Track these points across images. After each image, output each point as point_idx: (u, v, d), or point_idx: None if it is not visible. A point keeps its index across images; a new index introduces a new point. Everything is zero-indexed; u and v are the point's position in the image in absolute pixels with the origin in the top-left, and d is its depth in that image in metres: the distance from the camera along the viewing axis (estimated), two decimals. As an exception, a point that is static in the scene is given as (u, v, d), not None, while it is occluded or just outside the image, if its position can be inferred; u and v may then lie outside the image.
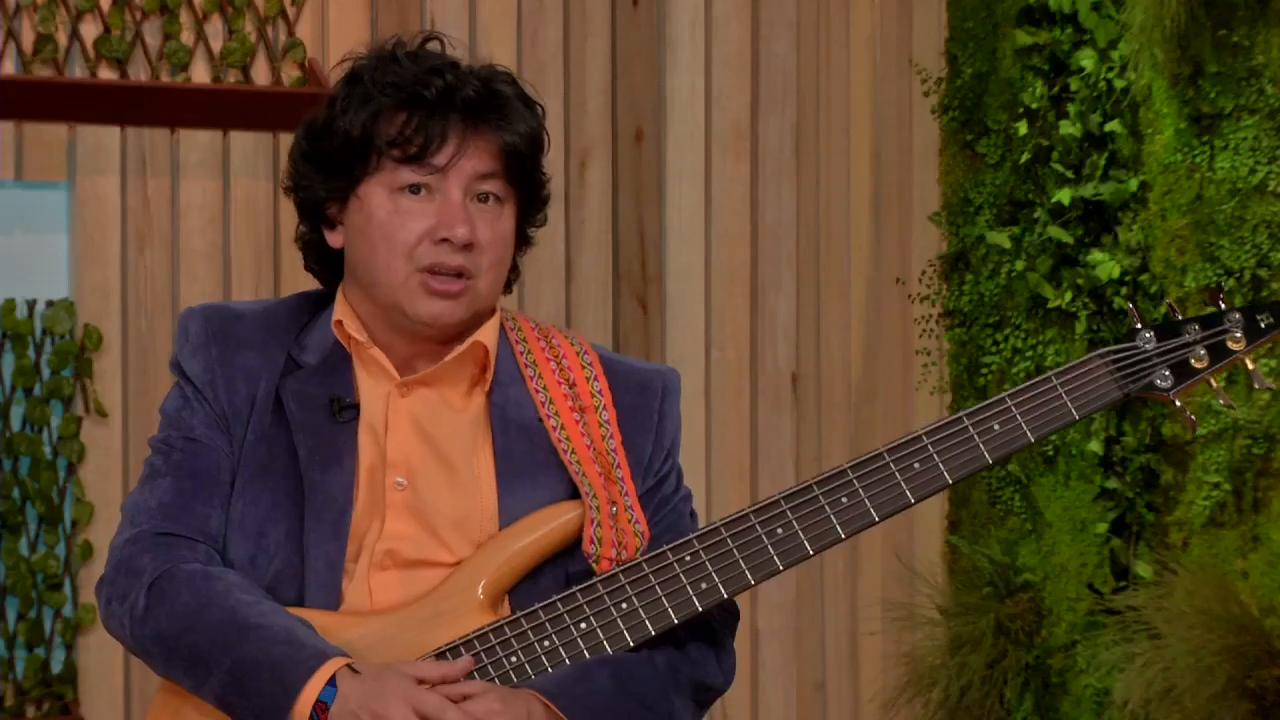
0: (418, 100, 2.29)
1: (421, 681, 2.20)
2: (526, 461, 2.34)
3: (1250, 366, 2.41)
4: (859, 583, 4.70)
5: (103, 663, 4.07)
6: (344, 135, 2.31)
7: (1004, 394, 2.34)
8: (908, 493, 2.30)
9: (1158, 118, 4.11)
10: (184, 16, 4.16)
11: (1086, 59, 4.25)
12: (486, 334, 2.37)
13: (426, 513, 2.31)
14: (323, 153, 2.33)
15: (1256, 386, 2.41)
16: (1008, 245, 4.44)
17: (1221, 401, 2.42)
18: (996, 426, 2.32)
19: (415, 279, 2.31)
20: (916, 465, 2.31)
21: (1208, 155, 3.99)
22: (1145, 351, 2.38)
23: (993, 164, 4.52)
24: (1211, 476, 3.98)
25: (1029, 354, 4.40)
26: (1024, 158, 4.40)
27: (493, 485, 2.33)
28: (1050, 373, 2.36)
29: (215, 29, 4.19)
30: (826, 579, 4.68)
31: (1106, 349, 2.38)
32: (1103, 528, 4.24)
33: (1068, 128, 4.27)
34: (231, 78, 4.19)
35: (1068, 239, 4.26)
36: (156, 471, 2.36)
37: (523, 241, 2.42)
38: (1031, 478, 4.44)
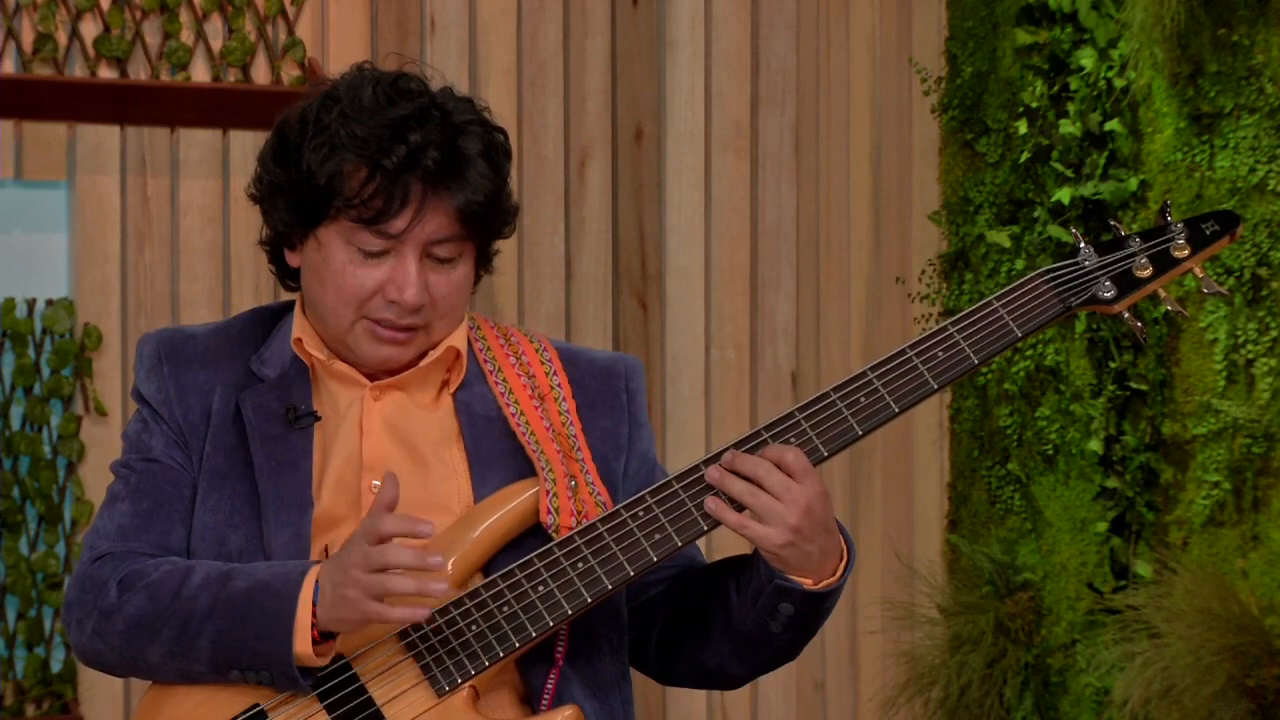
0: (378, 163, 2.28)
1: (382, 539, 2.20)
2: (496, 452, 2.37)
3: (1200, 275, 2.40)
4: (858, 582, 4.70)
5: (102, 662, 4.07)
6: (307, 175, 2.31)
7: (947, 321, 2.36)
8: (855, 426, 2.31)
9: (1157, 117, 4.11)
10: (184, 15, 4.16)
11: (1086, 58, 4.25)
12: (458, 338, 2.40)
13: (403, 508, 2.32)
14: (288, 182, 2.33)
15: (1206, 291, 2.41)
16: (1007, 244, 4.44)
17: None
18: (940, 353, 2.34)
19: (362, 325, 2.35)
20: (862, 399, 2.32)
21: (1207, 154, 3.99)
22: (1086, 266, 2.39)
23: (992, 163, 4.52)
24: (1211, 475, 3.98)
25: (1029, 353, 4.40)
26: (1024, 157, 4.40)
27: (466, 478, 2.37)
28: (991, 296, 2.37)
29: (215, 28, 4.19)
30: (826, 578, 4.68)
31: (1048, 267, 2.39)
32: (1102, 527, 4.24)
33: (1067, 127, 4.27)
34: (231, 77, 4.19)
35: (1068, 238, 4.26)
36: (115, 496, 2.39)
37: (483, 267, 2.43)
38: (1031, 477, 4.44)
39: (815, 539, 2.27)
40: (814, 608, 2.32)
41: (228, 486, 2.35)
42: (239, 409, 2.37)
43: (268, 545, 2.32)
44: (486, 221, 2.35)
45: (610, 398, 2.45)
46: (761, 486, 2.27)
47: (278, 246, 2.41)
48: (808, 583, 2.30)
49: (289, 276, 2.44)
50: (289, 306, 2.46)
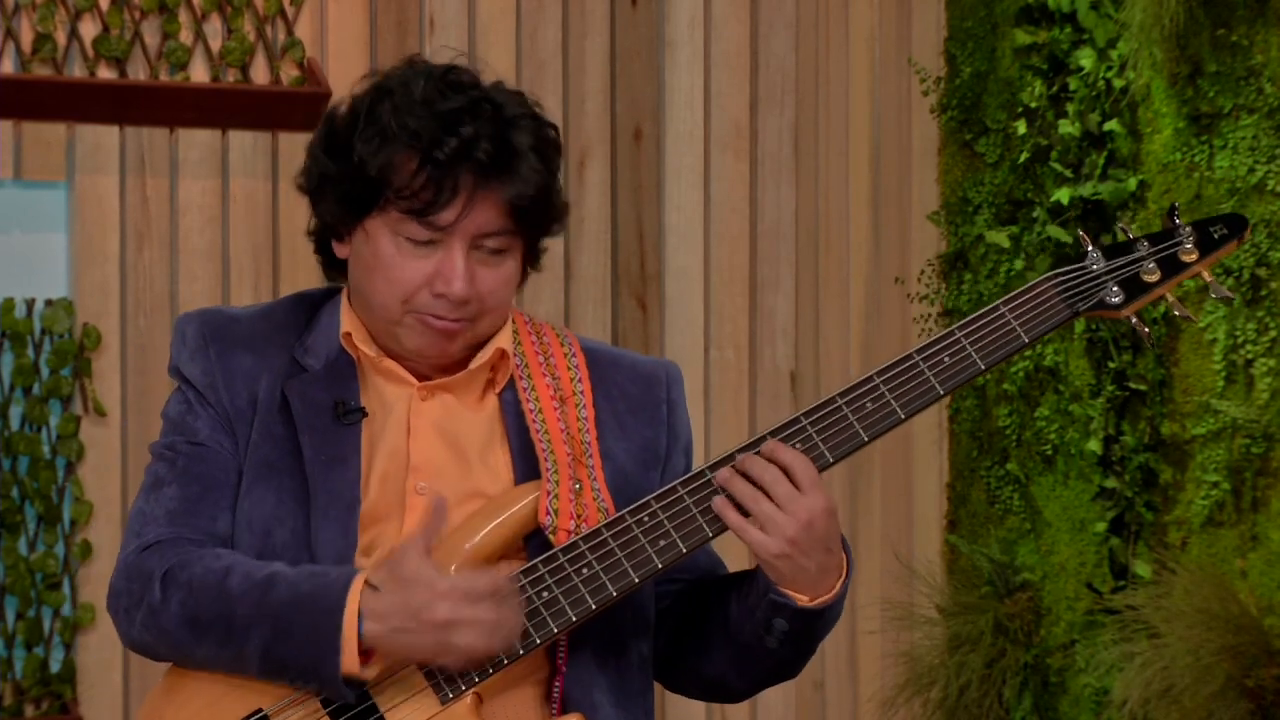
0: (430, 155, 2.27)
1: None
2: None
3: (1208, 279, 2.39)
4: (857, 581, 4.70)
5: (101, 662, 4.07)
6: (358, 167, 2.30)
7: (954, 326, 2.34)
8: (861, 432, 2.29)
9: (1156, 117, 4.11)
10: (183, 16, 4.16)
11: (1085, 58, 4.25)
12: (504, 338, 2.39)
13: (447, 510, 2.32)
14: (338, 174, 2.32)
15: (1214, 296, 2.39)
16: (1006, 244, 4.44)
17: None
18: (947, 359, 2.32)
19: (411, 317, 2.33)
20: (869, 405, 2.30)
21: (1206, 154, 3.99)
22: (1094, 271, 2.37)
23: (991, 163, 4.52)
24: (1210, 476, 3.98)
25: (1028, 353, 4.40)
26: (1023, 157, 4.40)
27: (511, 481, 2.35)
28: (999, 301, 2.35)
29: (214, 28, 4.19)
30: (825, 578, 4.68)
31: (1055, 272, 2.37)
32: (1101, 527, 4.24)
33: (1066, 127, 4.27)
34: (230, 77, 4.19)
35: (1067, 238, 4.27)
36: (161, 480, 2.37)
37: (531, 265, 2.42)
38: (1030, 477, 4.44)
39: (813, 555, 2.26)
40: (808, 625, 2.30)
41: (274, 478, 2.33)
42: (285, 398, 2.35)
43: (314, 540, 2.30)
44: (535, 216, 2.33)
45: (651, 408, 2.44)
46: (767, 494, 2.26)
47: (325, 238, 2.40)
48: (802, 599, 2.28)
49: (335, 268, 2.42)
50: (329, 294, 2.44)
